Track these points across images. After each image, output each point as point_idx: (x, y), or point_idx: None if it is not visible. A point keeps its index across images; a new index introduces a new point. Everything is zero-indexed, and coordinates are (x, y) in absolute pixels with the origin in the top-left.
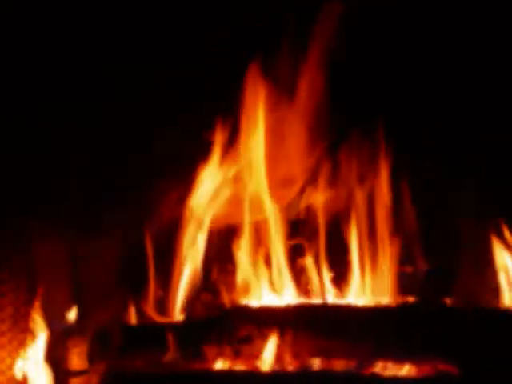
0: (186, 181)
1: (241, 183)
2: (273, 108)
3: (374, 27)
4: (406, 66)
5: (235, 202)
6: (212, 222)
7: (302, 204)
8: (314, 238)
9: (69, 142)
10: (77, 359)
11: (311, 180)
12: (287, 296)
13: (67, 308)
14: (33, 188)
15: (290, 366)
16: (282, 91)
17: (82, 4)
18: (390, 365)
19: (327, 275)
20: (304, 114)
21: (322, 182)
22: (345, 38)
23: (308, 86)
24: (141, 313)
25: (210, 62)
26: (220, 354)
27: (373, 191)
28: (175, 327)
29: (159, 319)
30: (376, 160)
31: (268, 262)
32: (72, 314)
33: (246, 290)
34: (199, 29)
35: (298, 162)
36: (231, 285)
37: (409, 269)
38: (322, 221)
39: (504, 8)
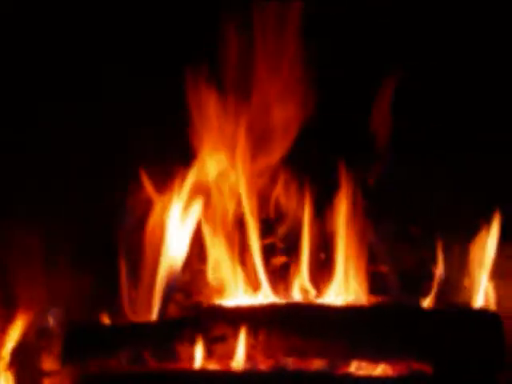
0: (159, 180)
1: (214, 183)
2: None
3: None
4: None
5: (209, 201)
6: (187, 222)
7: (276, 203)
8: (288, 237)
9: (43, 141)
10: (49, 360)
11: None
12: (261, 295)
13: (41, 309)
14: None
15: (264, 365)
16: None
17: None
18: (364, 364)
19: (301, 275)
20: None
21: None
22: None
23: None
24: (115, 312)
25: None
26: (193, 354)
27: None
28: (149, 327)
29: (133, 319)
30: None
31: (242, 260)
32: (45, 315)
33: (220, 289)
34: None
35: (271, 159)
36: (204, 284)
37: (383, 269)
38: (295, 220)
39: (498, 7)
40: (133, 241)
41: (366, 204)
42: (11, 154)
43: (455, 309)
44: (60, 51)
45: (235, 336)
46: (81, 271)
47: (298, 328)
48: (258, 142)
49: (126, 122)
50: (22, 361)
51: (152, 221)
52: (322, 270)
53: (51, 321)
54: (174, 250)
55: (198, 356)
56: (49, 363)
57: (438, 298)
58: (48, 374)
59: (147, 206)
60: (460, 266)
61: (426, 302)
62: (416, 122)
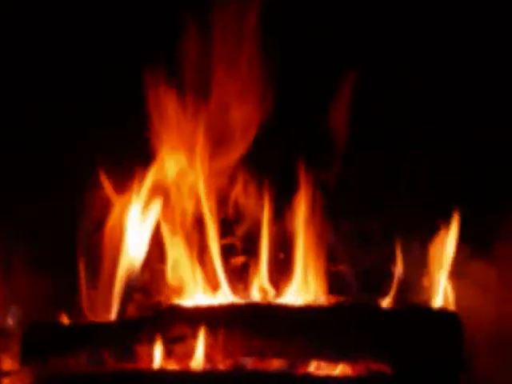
0: (120, 180)
1: (173, 183)
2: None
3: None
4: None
5: (169, 201)
6: (146, 221)
7: (236, 204)
8: (247, 237)
9: None
10: (8, 360)
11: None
12: (220, 295)
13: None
14: None
15: (223, 365)
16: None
17: None
18: (323, 364)
19: (260, 275)
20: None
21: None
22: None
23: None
24: (74, 312)
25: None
26: (152, 354)
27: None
28: (107, 327)
29: (92, 319)
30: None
31: (201, 261)
32: (4, 315)
33: (179, 289)
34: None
35: (231, 158)
36: (164, 284)
37: (343, 269)
38: (255, 220)
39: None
40: (92, 241)
41: (326, 204)
42: None
43: (414, 309)
44: None
45: (194, 336)
46: (40, 271)
47: (257, 328)
48: (217, 141)
49: (84, 121)
50: None
51: (111, 221)
52: (281, 270)
53: (10, 320)
54: (133, 250)
55: (157, 356)
56: (8, 363)
57: (398, 298)
58: (7, 373)
59: (106, 206)
60: (419, 265)
61: (385, 302)
62: (377, 121)
